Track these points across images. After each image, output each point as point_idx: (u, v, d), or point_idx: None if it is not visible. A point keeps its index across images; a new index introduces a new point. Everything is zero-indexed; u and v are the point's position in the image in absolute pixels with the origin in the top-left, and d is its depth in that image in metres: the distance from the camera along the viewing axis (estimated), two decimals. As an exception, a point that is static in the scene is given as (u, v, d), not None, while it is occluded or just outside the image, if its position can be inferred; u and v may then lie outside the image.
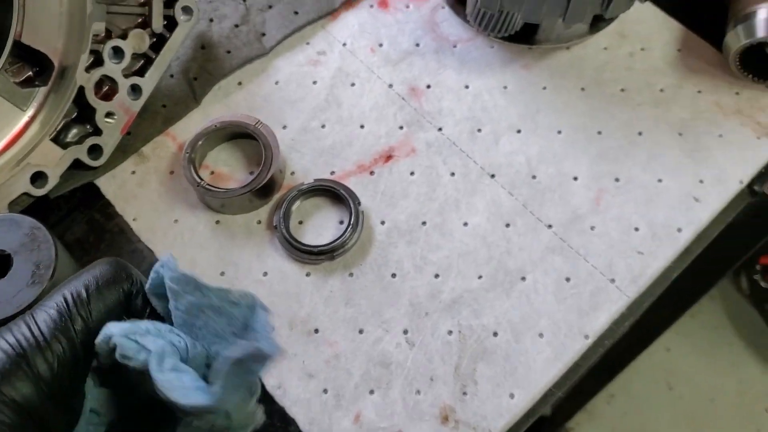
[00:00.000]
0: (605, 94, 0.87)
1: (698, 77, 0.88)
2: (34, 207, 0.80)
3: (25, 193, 0.78)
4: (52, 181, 0.79)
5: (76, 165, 0.82)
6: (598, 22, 0.89)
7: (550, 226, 0.80)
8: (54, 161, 0.79)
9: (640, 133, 0.84)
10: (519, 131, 0.85)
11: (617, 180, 0.82)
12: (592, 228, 0.79)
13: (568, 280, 0.77)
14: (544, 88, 0.88)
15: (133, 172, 0.84)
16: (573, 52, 0.90)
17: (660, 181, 0.81)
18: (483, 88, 0.88)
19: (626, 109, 0.86)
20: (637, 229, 0.79)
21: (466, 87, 0.88)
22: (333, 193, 0.80)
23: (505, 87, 0.88)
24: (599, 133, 0.84)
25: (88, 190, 0.83)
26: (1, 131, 0.76)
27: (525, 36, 0.89)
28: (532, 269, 0.77)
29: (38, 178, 0.78)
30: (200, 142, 0.81)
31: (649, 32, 0.91)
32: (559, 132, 0.85)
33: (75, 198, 0.83)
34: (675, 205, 0.80)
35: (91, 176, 0.83)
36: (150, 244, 0.80)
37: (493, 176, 0.82)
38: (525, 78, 0.88)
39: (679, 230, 0.79)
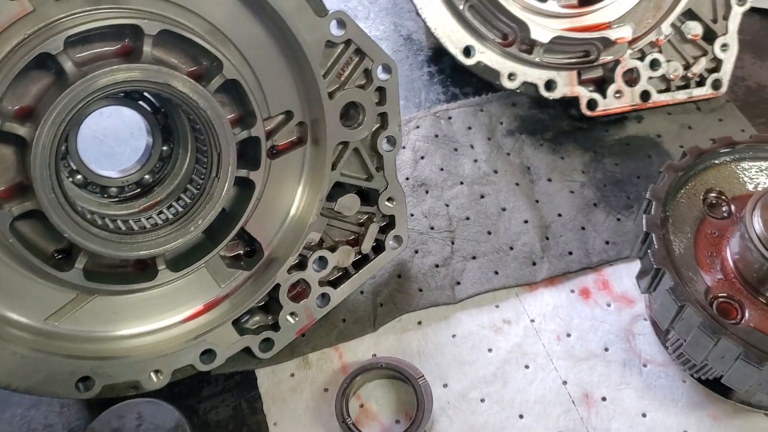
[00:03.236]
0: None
1: None
2: (194, 375, 0.83)
3: (191, 365, 0.81)
4: (219, 361, 0.83)
5: (245, 349, 0.85)
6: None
7: None
8: (227, 344, 0.83)
9: None
10: (686, 488, 0.77)
11: None
12: None
13: None
14: (730, 447, 0.80)
15: (292, 375, 0.86)
16: (774, 420, 0.81)
17: None
18: (662, 424, 0.81)
19: None
20: None
21: (644, 415, 0.82)
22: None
23: None
24: None
25: (246, 376, 0.86)
26: (194, 300, 0.82)
27: (722, 385, 0.82)
28: None
29: (207, 353, 0.82)
30: (359, 377, 0.81)
31: None
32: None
33: (232, 379, 0.86)
34: None
35: (255, 365, 0.86)
36: (278, 456, 0.80)
37: None
38: (711, 430, 0.81)
39: None
